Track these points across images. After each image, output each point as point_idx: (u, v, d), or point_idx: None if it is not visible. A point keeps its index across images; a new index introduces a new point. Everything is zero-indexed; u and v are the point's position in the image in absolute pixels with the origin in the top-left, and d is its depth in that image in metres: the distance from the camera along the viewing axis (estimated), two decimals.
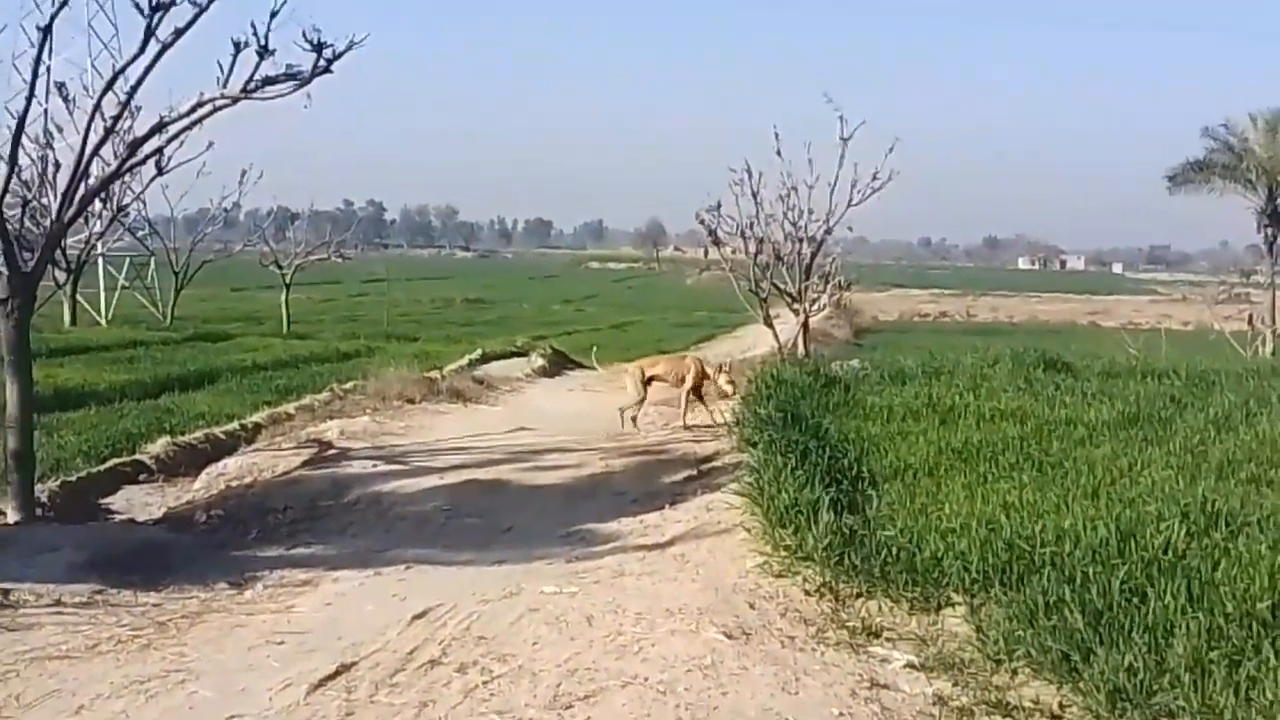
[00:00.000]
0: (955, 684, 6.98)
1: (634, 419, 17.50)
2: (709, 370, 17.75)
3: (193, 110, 11.57)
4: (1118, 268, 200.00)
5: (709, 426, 16.68)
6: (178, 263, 44.78)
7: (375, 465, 14.53)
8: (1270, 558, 7.92)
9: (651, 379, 17.80)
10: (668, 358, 19.06)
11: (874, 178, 23.12)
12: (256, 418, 18.44)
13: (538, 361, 27.82)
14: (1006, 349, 19.88)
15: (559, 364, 28.70)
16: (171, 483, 14.86)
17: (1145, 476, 10.62)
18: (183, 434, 16.89)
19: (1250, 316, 39.05)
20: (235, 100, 11.34)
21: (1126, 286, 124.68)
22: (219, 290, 61.39)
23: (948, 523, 9.18)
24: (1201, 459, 11.40)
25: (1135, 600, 7.42)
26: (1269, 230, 40.28)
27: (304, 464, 14.70)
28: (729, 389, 17.42)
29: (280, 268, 45.76)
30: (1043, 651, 6.97)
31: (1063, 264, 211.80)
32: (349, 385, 21.14)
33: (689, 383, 17.53)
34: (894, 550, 8.71)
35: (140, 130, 12.06)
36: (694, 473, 13.81)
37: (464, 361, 26.44)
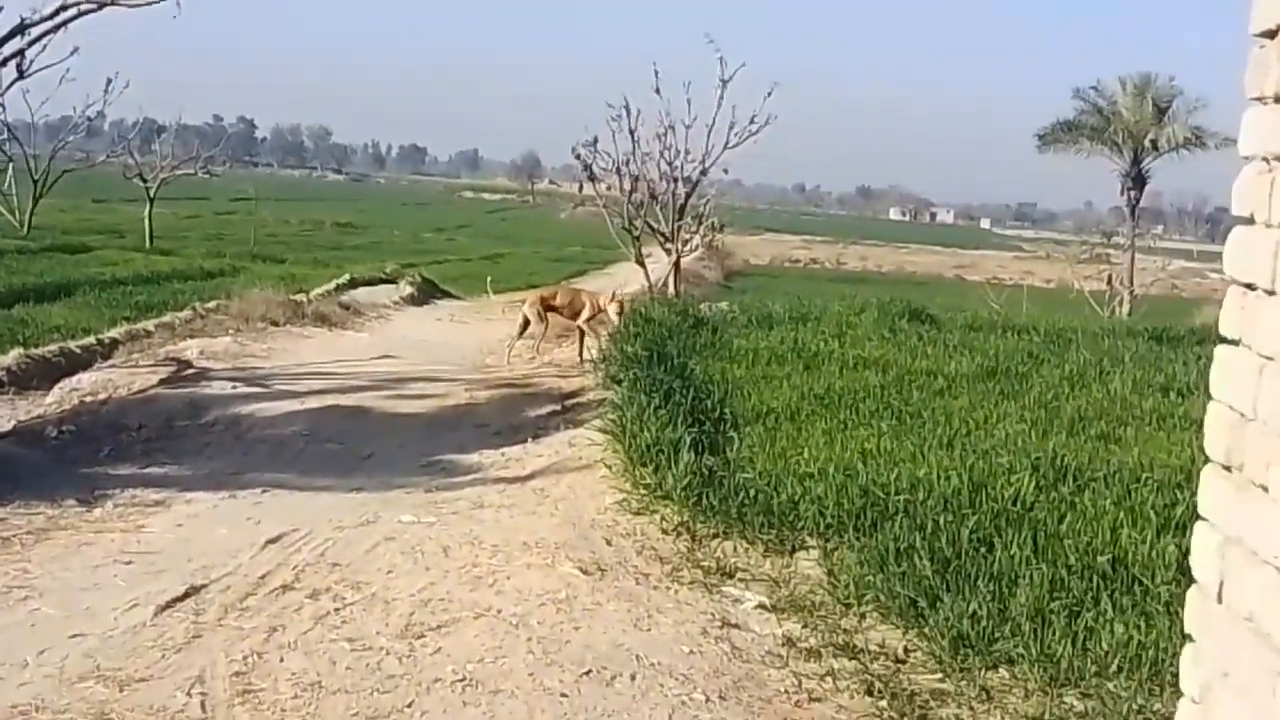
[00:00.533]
0: (805, 626, 7.09)
1: (536, 349, 17.31)
2: (601, 303, 17.60)
3: (56, 13, 11.22)
4: (985, 223, 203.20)
5: (575, 363, 16.69)
6: (37, 170, 43.42)
7: (235, 387, 14.30)
8: (1113, 513, 8.16)
9: (550, 310, 17.61)
10: (564, 288, 18.94)
11: (751, 121, 23.16)
12: (114, 333, 18.01)
13: (406, 289, 27.56)
14: (873, 298, 20.18)
15: (428, 293, 28.47)
16: (23, 395, 14.46)
17: (1000, 429, 10.87)
18: (36, 346, 16.44)
19: (1109, 277, 40.01)
20: (101, 5, 11.00)
21: (993, 241, 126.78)
22: (80, 201, 59.74)
23: (806, 467, 9.30)
24: (1054, 414, 11.69)
25: (983, 550, 7.60)
26: (1131, 193, 41.25)
27: (161, 382, 14.42)
28: (616, 319, 17.23)
29: (144, 181, 44.49)
30: (891, 597, 7.11)
31: (933, 216, 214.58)
32: (211, 304, 20.75)
33: (585, 315, 17.40)
34: (752, 492, 8.80)
35: (0, 31, 11.65)
36: (558, 408, 13.81)
37: (331, 286, 26.09)
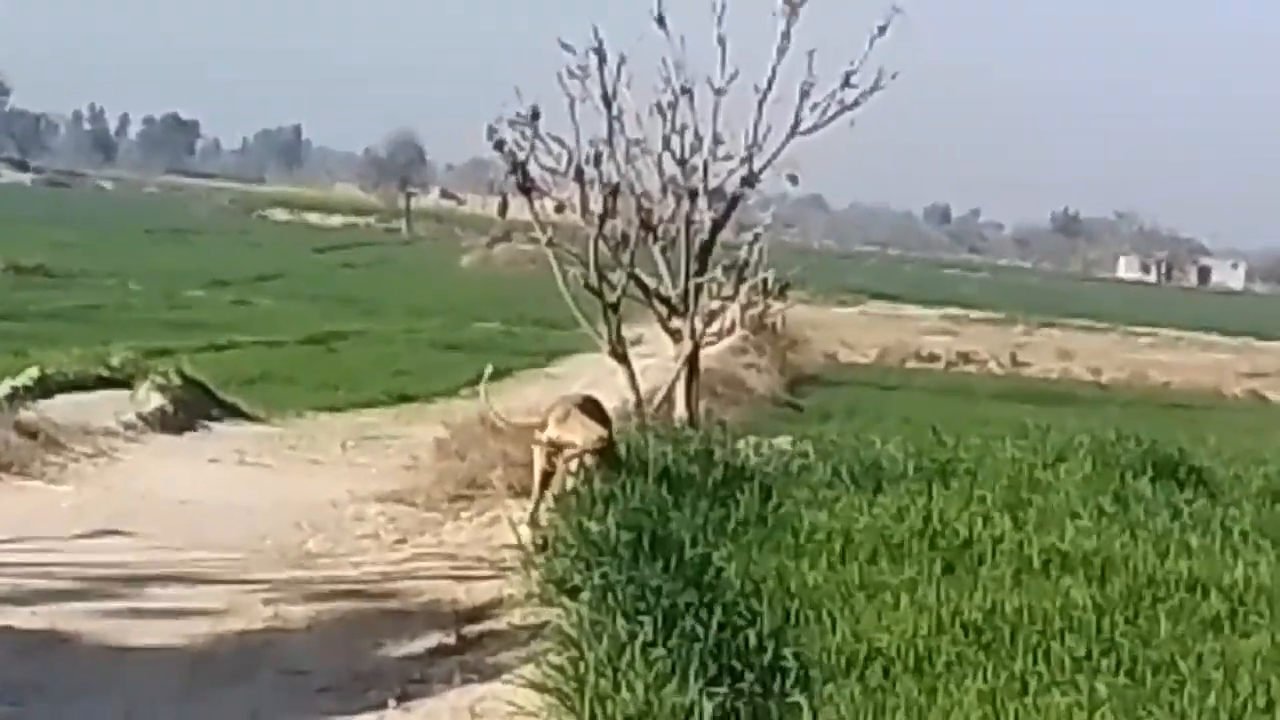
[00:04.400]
0: None
1: (535, 520, 16.78)
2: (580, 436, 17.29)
3: None
4: None
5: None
6: None
7: None
8: None
9: (562, 450, 17.05)
10: (578, 404, 17.97)
11: (846, 84, 23.36)
12: None
13: (153, 401, 27.58)
14: (1084, 434, 20.14)
15: (195, 408, 28.51)
16: None
17: None
18: None
19: None
20: None
21: None
22: None
23: None
24: None
25: None
26: None
27: None
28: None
29: None
30: None
31: (1204, 275, 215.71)
32: None
33: (537, 461, 17.13)
34: None
35: None
36: (450, 640, 13.79)
37: (2, 393, 26.11)
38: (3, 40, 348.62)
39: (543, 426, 17.25)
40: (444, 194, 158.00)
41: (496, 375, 40.67)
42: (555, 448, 16.92)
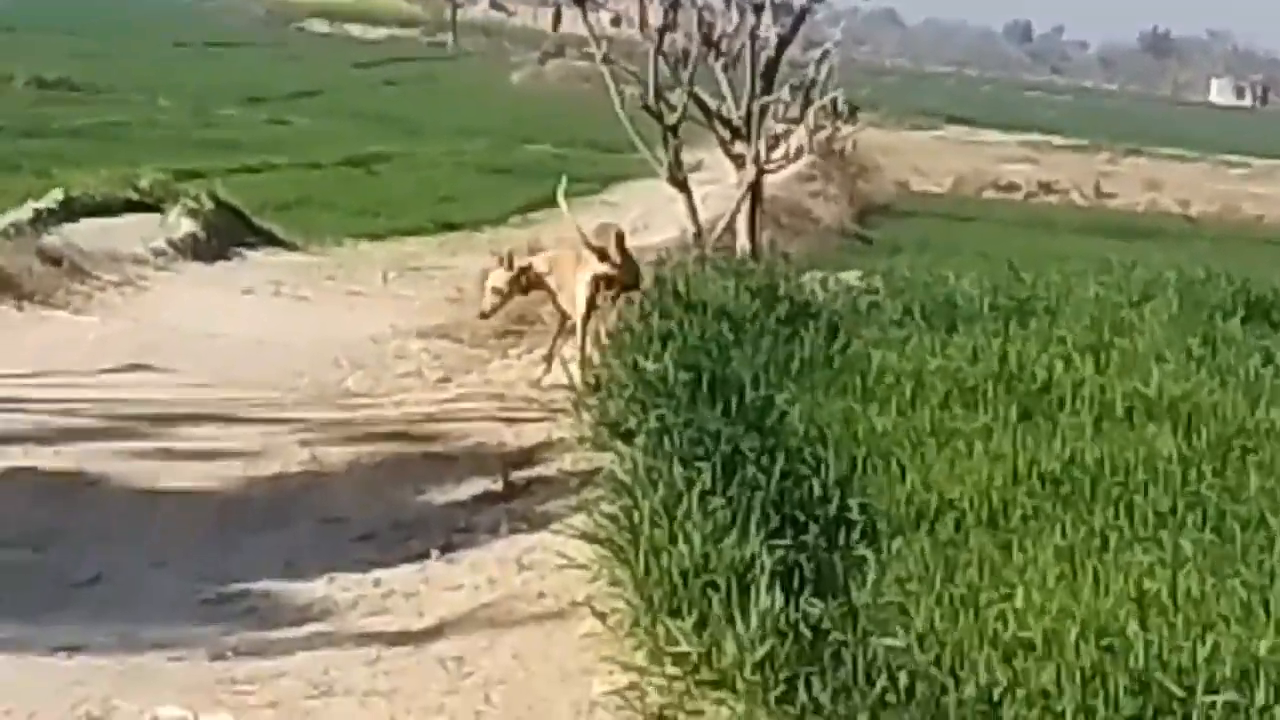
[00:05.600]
0: None
1: (585, 359, 16.63)
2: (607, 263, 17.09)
3: None
4: None
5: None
6: None
7: None
8: None
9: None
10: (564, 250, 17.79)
11: None
12: None
13: (184, 226, 27.53)
14: (1172, 271, 20.05)
15: (228, 234, 28.46)
16: None
17: None
18: None
19: None
20: None
21: None
22: None
23: (1019, 628, 9.27)
24: None
25: None
26: None
27: None
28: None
29: None
30: None
31: None
32: None
33: (584, 293, 17.01)
34: (904, 677, 8.77)
35: None
36: (497, 486, 13.79)
37: (24, 216, 26.09)
38: None
39: (603, 255, 17.11)
40: (493, 5, 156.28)
41: (545, 203, 40.28)
42: (604, 280, 16.85)
